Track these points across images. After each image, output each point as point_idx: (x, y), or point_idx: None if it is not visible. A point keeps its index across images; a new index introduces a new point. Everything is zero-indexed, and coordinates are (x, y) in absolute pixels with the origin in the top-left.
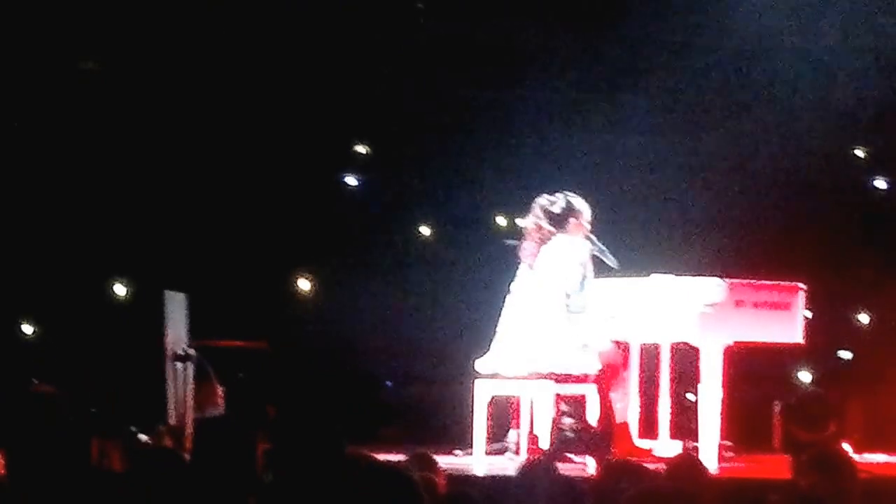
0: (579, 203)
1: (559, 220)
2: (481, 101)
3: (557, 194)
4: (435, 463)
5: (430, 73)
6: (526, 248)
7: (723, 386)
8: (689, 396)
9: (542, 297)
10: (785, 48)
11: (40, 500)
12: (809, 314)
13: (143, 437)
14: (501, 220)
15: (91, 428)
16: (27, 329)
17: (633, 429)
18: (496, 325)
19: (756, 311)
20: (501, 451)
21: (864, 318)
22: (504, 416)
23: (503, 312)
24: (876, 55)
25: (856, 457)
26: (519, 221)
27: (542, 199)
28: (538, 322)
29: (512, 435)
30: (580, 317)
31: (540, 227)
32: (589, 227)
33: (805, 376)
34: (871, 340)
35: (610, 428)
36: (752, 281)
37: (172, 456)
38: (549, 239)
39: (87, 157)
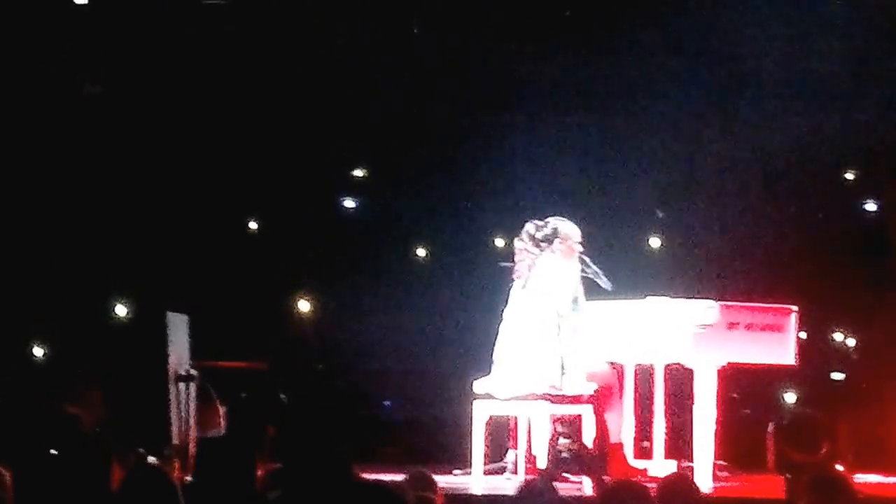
0: (567, 227)
1: (542, 245)
2: (476, 124)
3: (548, 219)
4: (433, 482)
5: (425, 98)
6: (518, 268)
7: (717, 406)
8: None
9: (534, 318)
10: (777, 72)
11: None
12: (805, 335)
13: (151, 458)
14: (498, 242)
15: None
16: (34, 351)
17: (629, 449)
18: (494, 347)
19: (749, 332)
20: (500, 471)
21: (855, 340)
22: (502, 436)
23: (500, 335)
24: (867, 78)
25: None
26: (515, 242)
27: (529, 225)
28: (531, 344)
29: (510, 455)
30: (573, 338)
31: (527, 251)
32: (580, 249)
33: (797, 397)
34: (862, 362)
35: (605, 448)
36: (746, 303)
37: (161, 477)
38: (535, 261)
39: (90, 180)
